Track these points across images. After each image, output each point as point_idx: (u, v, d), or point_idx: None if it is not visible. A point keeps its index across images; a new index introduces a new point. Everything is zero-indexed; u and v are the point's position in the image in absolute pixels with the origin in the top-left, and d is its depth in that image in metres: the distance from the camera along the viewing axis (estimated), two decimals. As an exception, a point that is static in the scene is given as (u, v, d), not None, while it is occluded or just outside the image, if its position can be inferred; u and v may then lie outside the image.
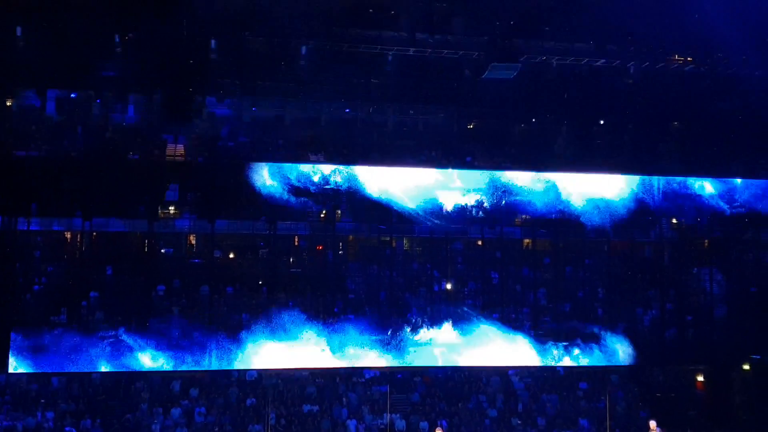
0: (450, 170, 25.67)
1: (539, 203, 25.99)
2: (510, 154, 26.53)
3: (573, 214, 26.24)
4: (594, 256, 26.82)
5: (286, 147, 25.62)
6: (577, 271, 26.69)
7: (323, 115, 25.86)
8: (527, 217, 26.22)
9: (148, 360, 23.04)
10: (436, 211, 25.55)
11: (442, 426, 21.14)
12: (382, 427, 22.46)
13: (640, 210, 26.36)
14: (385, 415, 22.59)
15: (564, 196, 26.07)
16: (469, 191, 25.68)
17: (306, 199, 25.15)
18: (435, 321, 25.07)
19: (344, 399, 23.79)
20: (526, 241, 26.74)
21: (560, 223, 26.08)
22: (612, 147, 26.83)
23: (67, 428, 22.04)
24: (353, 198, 25.25)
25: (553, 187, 26.06)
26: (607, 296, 26.24)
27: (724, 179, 26.84)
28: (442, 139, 26.28)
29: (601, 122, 26.85)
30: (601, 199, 26.24)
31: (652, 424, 18.51)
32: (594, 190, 26.24)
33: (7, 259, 23.48)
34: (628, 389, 25.36)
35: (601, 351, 25.30)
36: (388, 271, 25.60)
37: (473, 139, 26.75)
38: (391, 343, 24.42)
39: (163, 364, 23.13)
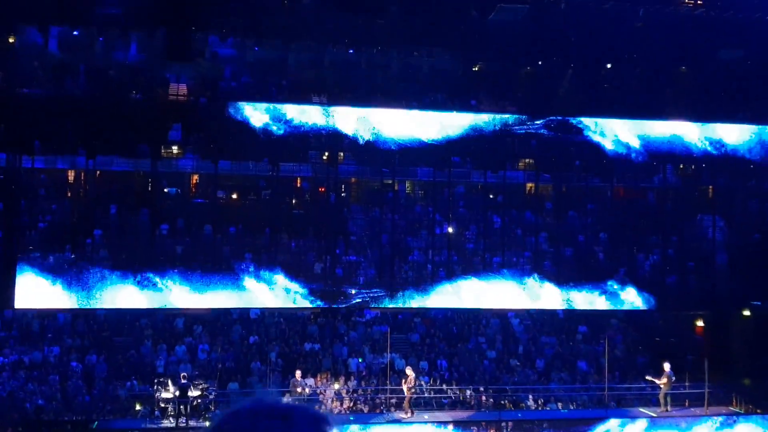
0: (454, 113, 25.45)
1: (543, 147, 25.82)
2: (515, 97, 26.25)
3: (577, 159, 26.09)
4: (597, 201, 26.76)
5: (289, 88, 25.40)
6: (580, 216, 26.65)
7: (327, 56, 25.53)
8: (530, 161, 26.08)
9: (152, 297, 23.29)
10: (439, 154, 25.38)
11: (410, 364, 21.27)
12: (383, 365, 22.76)
13: (645, 155, 26.14)
14: (385, 354, 22.86)
15: (568, 140, 25.85)
16: (472, 134, 25.46)
17: (308, 141, 25.04)
18: (436, 264, 25.19)
19: (345, 338, 24.09)
20: (529, 185, 26.67)
21: (563, 167, 25.94)
22: (619, 91, 26.47)
23: (73, 363, 22.41)
24: (356, 140, 25.09)
25: (558, 131, 25.82)
26: (609, 241, 26.24)
27: (730, 125, 26.52)
28: (447, 81, 25.95)
29: (608, 66, 26.49)
30: (606, 144, 26.02)
31: (666, 366, 18.49)
32: (599, 134, 26.01)
33: (11, 197, 23.63)
34: (627, 333, 25.55)
35: (601, 295, 25.39)
36: (390, 213, 25.61)
37: (478, 82, 26.45)
38: (392, 284, 24.57)
39: (167, 301, 23.40)
